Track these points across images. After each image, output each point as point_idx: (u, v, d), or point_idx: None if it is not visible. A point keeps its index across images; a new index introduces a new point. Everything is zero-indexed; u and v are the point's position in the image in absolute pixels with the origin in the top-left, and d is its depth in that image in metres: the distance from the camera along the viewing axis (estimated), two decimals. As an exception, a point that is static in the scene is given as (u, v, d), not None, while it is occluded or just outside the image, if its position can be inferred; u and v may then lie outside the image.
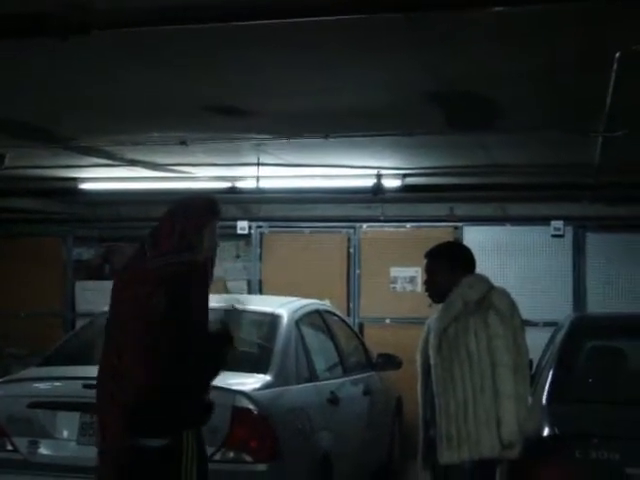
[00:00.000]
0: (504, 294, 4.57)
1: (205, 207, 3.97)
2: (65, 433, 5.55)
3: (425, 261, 4.81)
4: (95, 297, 10.38)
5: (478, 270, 4.83)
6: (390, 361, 8.07)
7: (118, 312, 3.91)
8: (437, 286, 4.70)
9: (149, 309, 3.75)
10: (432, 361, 4.57)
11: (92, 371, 5.71)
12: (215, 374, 3.99)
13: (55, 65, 4.92)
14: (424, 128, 6.49)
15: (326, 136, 6.74)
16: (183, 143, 7.07)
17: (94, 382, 5.28)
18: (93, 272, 11.66)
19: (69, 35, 3.73)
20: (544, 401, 5.18)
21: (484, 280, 4.65)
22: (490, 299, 4.47)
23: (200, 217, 3.90)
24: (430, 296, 4.78)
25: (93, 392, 5.23)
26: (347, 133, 6.71)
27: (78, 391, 5.35)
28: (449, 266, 4.68)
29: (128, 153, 7.83)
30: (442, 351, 4.51)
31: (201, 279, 3.90)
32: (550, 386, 5.30)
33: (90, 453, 5.20)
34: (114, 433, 3.85)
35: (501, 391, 4.34)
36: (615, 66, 4.66)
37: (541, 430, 4.77)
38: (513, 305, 4.54)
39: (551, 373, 5.45)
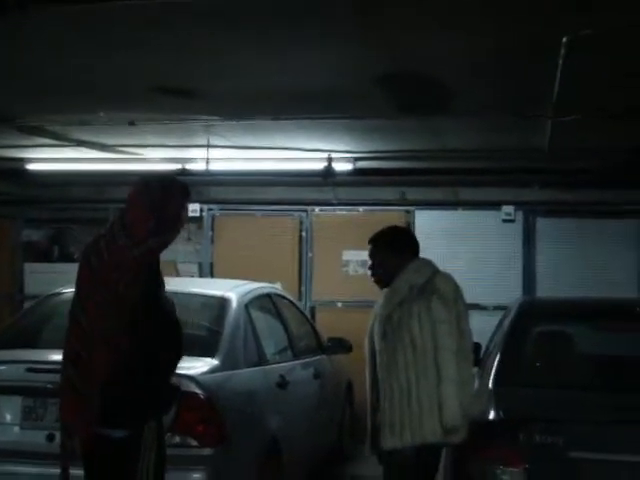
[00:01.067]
0: (448, 278, 4.56)
1: (181, 190, 3.90)
2: (7, 417, 5.43)
3: (369, 247, 4.77)
4: (44, 279, 10.24)
5: (430, 254, 4.83)
6: (340, 345, 8.05)
7: (86, 297, 3.77)
8: (383, 271, 4.68)
9: (124, 297, 3.67)
10: (377, 347, 4.56)
11: (36, 355, 5.73)
12: (178, 360, 3.95)
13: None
14: (374, 112, 6.46)
15: (275, 118, 6.68)
16: (131, 123, 6.98)
17: (38, 366, 5.30)
18: (42, 254, 11.51)
19: (7, 11, 3.61)
20: (490, 385, 5.18)
21: (430, 264, 4.64)
22: (434, 283, 4.46)
23: (178, 201, 3.83)
24: (376, 282, 4.76)
25: (37, 376, 5.24)
26: (297, 115, 6.65)
27: (21, 375, 5.29)
28: (393, 251, 4.66)
29: (75, 133, 7.70)
30: (387, 337, 4.50)
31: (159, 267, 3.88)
32: (497, 370, 5.30)
33: (33, 438, 5.22)
34: (75, 422, 3.77)
35: (443, 376, 4.34)
36: (563, 51, 4.66)
37: (487, 414, 4.76)
38: (457, 289, 4.53)
39: (498, 357, 5.45)
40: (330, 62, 5.23)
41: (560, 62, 4.79)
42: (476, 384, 5.65)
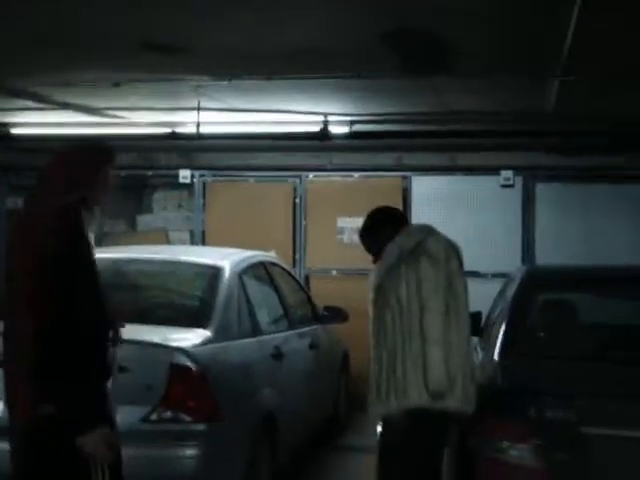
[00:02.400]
0: (440, 239, 4.42)
1: (99, 150, 3.82)
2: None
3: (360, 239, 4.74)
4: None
5: (427, 221, 4.75)
6: (336, 314, 7.92)
7: (9, 263, 3.62)
8: (374, 251, 4.62)
9: (37, 257, 3.50)
10: (370, 314, 4.42)
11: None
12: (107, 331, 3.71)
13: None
14: (375, 70, 6.24)
15: (269, 77, 6.47)
16: (116, 85, 6.81)
17: None
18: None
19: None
20: (496, 356, 4.98)
21: (423, 228, 4.53)
22: (424, 245, 4.33)
23: (93, 159, 3.74)
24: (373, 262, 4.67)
25: None
26: (292, 75, 6.39)
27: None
28: (375, 234, 4.61)
29: (59, 95, 7.51)
30: (377, 303, 4.37)
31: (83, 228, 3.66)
32: (502, 341, 5.09)
33: None
34: (11, 402, 3.56)
35: (427, 337, 4.15)
36: (578, 4, 4.38)
37: (493, 387, 4.55)
38: (450, 249, 4.37)
39: (503, 327, 5.24)
40: (329, 17, 4.99)
41: (574, 16, 4.51)
42: (479, 354, 5.46)
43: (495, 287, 6.77)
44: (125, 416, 4.62)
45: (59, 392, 3.44)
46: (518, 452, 4.31)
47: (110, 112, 8.39)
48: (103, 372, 3.63)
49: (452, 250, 4.37)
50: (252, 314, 6.21)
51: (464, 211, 9.89)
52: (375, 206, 4.80)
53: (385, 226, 4.56)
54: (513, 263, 9.30)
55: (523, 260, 9.67)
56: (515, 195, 9.89)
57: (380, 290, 4.35)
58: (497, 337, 5.17)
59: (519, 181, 9.87)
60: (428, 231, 4.47)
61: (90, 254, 3.63)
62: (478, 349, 5.65)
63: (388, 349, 4.24)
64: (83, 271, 3.55)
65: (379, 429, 4.50)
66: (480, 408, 4.34)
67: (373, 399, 4.29)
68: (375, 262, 4.56)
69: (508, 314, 5.38)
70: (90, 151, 3.79)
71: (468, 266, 4.57)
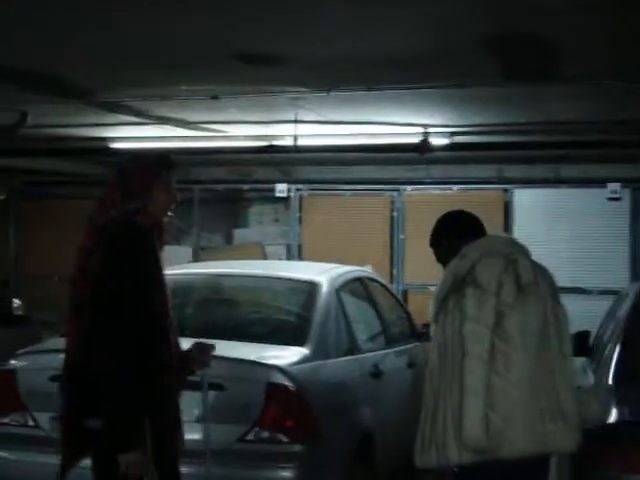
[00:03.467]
0: (493, 263, 3.77)
1: (155, 160, 3.73)
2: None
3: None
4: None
5: (529, 236, 4.29)
6: None
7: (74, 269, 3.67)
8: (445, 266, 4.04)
9: (87, 272, 3.51)
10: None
11: None
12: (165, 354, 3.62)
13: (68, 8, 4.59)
14: (475, 79, 6.09)
15: (368, 88, 6.35)
16: (214, 97, 6.78)
17: None
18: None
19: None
20: (611, 381, 4.69)
21: (481, 246, 3.88)
22: (474, 271, 3.73)
23: (148, 169, 3.64)
24: None
25: None
26: (393, 85, 6.26)
27: None
28: (442, 245, 4.02)
29: (156, 109, 7.57)
30: (433, 338, 3.91)
31: (150, 242, 3.61)
32: (617, 364, 4.81)
33: None
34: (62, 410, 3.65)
35: (465, 386, 3.66)
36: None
37: (609, 414, 4.26)
38: (504, 276, 3.73)
39: (617, 349, 4.94)
40: (429, 22, 4.82)
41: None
42: (589, 376, 5.18)
43: (601, 304, 6.55)
44: (220, 435, 4.62)
45: (108, 406, 3.42)
46: (637, 483, 4.05)
47: (207, 126, 8.42)
48: (157, 398, 3.56)
49: (509, 275, 3.73)
50: (350, 331, 6.09)
51: (568, 225, 9.70)
52: None
53: (450, 238, 3.99)
54: (620, 279, 9.06)
55: (632, 276, 9.36)
56: (622, 208, 9.64)
57: (436, 322, 3.87)
58: (610, 360, 4.90)
59: (626, 193, 9.63)
60: (486, 250, 3.84)
61: (148, 271, 3.55)
62: (588, 371, 5.37)
63: (435, 394, 3.79)
64: (136, 289, 3.47)
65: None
66: (594, 438, 4.00)
67: (418, 448, 3.85)
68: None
69: (622, 334, 5.10)
70: (145, 160, 3.73)
71: (571, 282, 4.22)
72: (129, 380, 3.40)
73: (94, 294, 3.44)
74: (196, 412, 4.70)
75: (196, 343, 3.96)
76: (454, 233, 3.98)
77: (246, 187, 10.83)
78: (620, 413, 4.35)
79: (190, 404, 4.77)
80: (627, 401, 4.47)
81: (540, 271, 3.82)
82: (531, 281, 3.73)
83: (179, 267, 6.99)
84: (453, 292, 3.74)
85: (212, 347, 3.98)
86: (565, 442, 3.75)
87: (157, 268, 3.62)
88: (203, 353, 3.93)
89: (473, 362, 3.62)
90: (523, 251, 3.87)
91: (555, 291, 3.83)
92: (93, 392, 3.43)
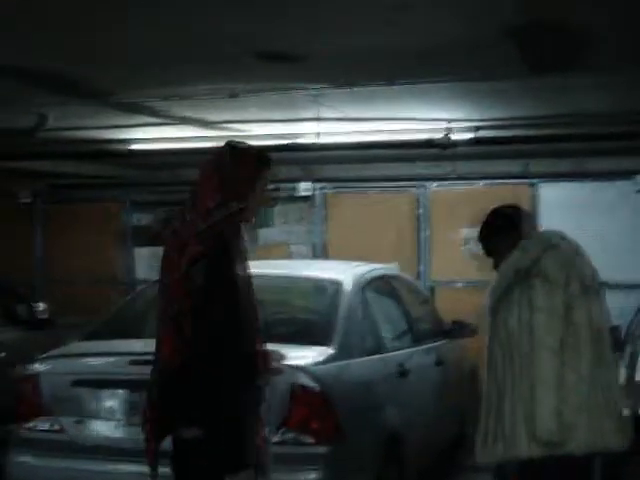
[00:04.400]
0: (561, 255, 3.77)
1: (257, 157, 3.52)
2: (112, 413, 5.21)
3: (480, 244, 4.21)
4: (156, 264, 10.08)
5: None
6: (463, 328, 7.64)
7: (161, 283, 3.54)
8: (495, 259, 4.07)
9: (187, 281, 3.34)
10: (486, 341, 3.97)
11: (139, 345, 5.46)
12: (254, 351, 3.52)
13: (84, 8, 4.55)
14: (500, 71, 6.01)
15: (391, 82, 6.27)
16: (234, 96, 6.75)
17: (141, 357, 5.01)
18: (153, 238, 11.44)
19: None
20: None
21: (541, 240, 3.89)
22: (541, 263, 3.73)
23: (252, 167, 3.45)
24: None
25: (140, 368, 4.96)
26: (414, 79, 6.19)
27: (125, 367, 5.05)
28: (497, 239, 4.03)
29: (176, 109, 7.56)
30: (491, 330, 3.88)
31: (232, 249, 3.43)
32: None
33: (139, 435, 4.92)
34: (148, 421, 3.53)
35: (538, 379, 3.63)
36: None
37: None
38: (571, 269, 3.73)
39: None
40: (452, 12, 4.73)
41: None
42: (621, 372, 5.07)
43: (630, 299, 6.71)
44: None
45: (198, 415, 3.33)
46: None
47: (227, 125, 8.39)
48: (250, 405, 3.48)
49: (574, 269, 3.76)
50: (375, 330, 6.04)
51: (596, 219, 9.57)
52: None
53: (509, 232, 3.99)
54: (651, 273, 8.94)
55: (662, 270, 9.20)
56: (652, 201, 9.45)
57: (494, 314, 3.87)
58: (642, 355, 4.79)
59: (655, 185, 9.42)
60: (548, 244, 3.84)
61: (236, 279, 3.37)
62: (620, 366, 5.26)
63: (498, 388, 3.78)
64: (227, 293, 3.35)
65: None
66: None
67: (480, 444, 3.84)
68: (496, 267, 4.04)
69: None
70: (247, 157, 3.50)
71: (600, 277, 4.11)
72: (239, 391, 3.34)
73: (198, 306, 3.32)
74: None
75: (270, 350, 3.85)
76: (513, 227, 3.97)
77: (270, 186, 10.77)
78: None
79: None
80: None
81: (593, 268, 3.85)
82: (592, 277, 3.78)
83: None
84: (516, 285, 3.73)
85: (283, 356, 4.02)
86: (619, 439, 3.74)
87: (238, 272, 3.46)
88: (276, 360, 3.85)
89: (545, 353, 3.61)
90: (578, 246, 3.86)
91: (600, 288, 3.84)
92: (194, 400, 3.33)
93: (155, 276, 6.47)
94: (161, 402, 3.44)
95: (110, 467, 4.99)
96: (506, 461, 3.75)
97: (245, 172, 3.41)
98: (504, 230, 4.00)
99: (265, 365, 3.65)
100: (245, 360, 3.40)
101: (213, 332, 3.32)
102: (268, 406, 4.80)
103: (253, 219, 3.59)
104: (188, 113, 7.73)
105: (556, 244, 3.81)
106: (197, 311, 3.32)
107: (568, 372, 3.63)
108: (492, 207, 4.19)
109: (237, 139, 7.67)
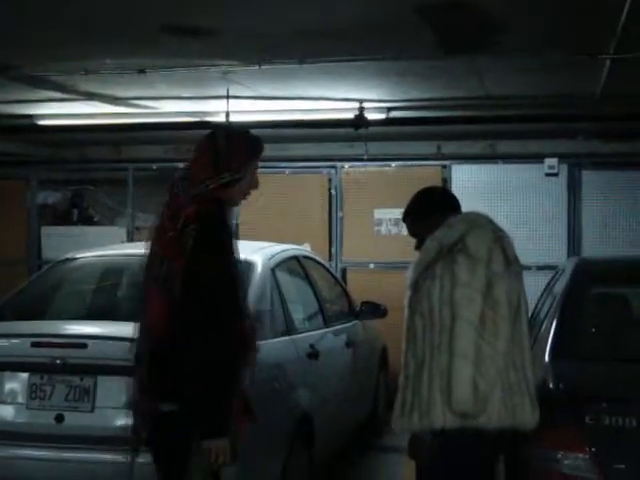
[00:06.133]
0: (484, 233, 3.82)
1: (251, 141, 3.68)
2: (13, 397, 5.03)
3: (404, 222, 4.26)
4: (62, 243, 9.96)
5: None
6: (374, 309, 7.66)
7: (149, 257, 3.56)
8: (419, 238, 4.10)
9: (181, 241, 3.39)
10: (405, 313, 3.99)
11: (42, 327, 5.30)
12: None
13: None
14: (412, 51, 5.93)
15: (301, 61, 6.17)
16: (141, 71, 6.56)
17: (44, 340, 4.87)
18: (60, 217, 11.16)
19: None
20: (546, 358, 4.63)
21: (469, 220, 3.94)
22: (465, 240, 3.79)
23: (244, 149, 3.61)
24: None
25: (42, 350, 4.82)
26: (326, 57, 6.10)
27: (26, 350, 4.93)
28: (421, 218, 4.08)
29: (82, 84, 7.31)
30: (411, 304, 3.93)
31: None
32: (553, 340, 4.75)
33: (41, 419, 4.82)
34: (134, 394, 3.55)
35: (456, 350, 3.67)
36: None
37: (544, 391, 4.19)
38: (495, 246, 3.78)
39: (553, 325, 4.88)
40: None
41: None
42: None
43: (540, 280, 6.56)
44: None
45: (187, 390, 3.31)
46: (573, 462, 4.01)
47: (137, 102, 8.19)
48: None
49: (497, 249, 3.79)
50: (286, 311, 5.97)
51: (506, 201, 9.61)
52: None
53: (433, 212, 4.04)
54: (558, 255, 9.17)
55: (569, 252, 9.37)
56: (560, 184, 9.55)
57: (415, 289, 3.91)
58: (547, 336, 4.82)
59: (564, 169, 9.55)
60: (474, 223, 3.90)
61: (231, 254, 3.45)
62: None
63: (417, 359, 3.83)
64: (223, 273, 3.38)
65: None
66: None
67: (397, 413, 3.88)
68: (417, 248, 4.09)
69: (558, 310, 5.02)
70: (242, 139, 3.64)
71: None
72: (228, 360, 3.33)
73: (190, 267, 3.33)
74: (123, 398, 4.57)
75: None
76: (441, 207, 4.04)
77: (182, 165, 10.55)
78: (556, 389, 4.29)
79: (116, 390, 4.67)
80: (563, 377, 4.41)
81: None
82: (514, 257, 3.83)
83: (107, 248, 6.80)
84: (440, 260, 3.79)
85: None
86: (528, 418, 3.78)
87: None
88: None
89: (464, 326, 3.65)
90: (502, 229, 3.91)
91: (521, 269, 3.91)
92: (176, 372, 3.33)
93: (61, 256, 6.36)
94: (149, 376, 3.42)
95: (11, 452, 4.82)
96: (421, 431, 3.79)
97: (238, 152, 3.55)
98: (430, 211, 4.05)
99: (252, 344, 3.71)
100: (237, 337, 3.39)
101: (205, 299, 3.31)
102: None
103: (240, 201, 3.68)
104: (95, 89, 7.51)
105: (481, 223, 3.87)
106: (188, 274, 3.32)
107: (485, 346, 3.66)
108: (419, 188, 4.23)
109: (148, 116, 7.45)
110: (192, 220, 3.38)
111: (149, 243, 3.58)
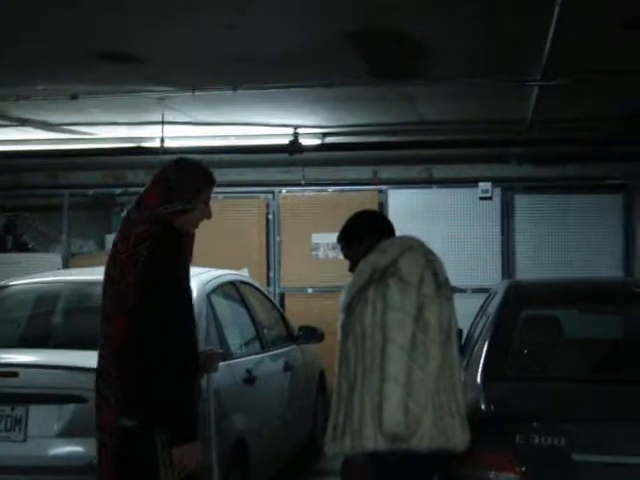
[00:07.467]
0: (416, 257, 3.89)
1: (202, 172, 3.75)
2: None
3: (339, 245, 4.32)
4: (-1, 269, 9.69)
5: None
6: (312, 334, 7.68)
7: (104, 281, 3.64)
8: (352, 261, 4.17)
9: (133, 257, 3.48)
10: (338, 336, 4.03)
11: None
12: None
13: None
14: (344, 77, 5.97)
15: (235, 87, 6.17)
16: (74, 97, 6.50)
17: None
18: (-6, 243, 10.98)
19: None
20: (478, 378, 4.68)
21: (402, 244, 4.00)
22: (397, 264, 3.84)
23: (195, 179, 3.69)
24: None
25: None
26: (259, 84, 6.11)
27: None
28: (355, 241, 4.14)
29: (14, 110, 7.18)
30: (344, 327, 3.96)
31: (185, 248, 3.64)
32: (485, 361, 4.80)
33: None
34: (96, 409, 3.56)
35: (386, 373, 3.73)
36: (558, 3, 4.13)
37: (476, 412, 4.25)
38: (425, 271, 3.85)
39: (485, 346, 4.95)
40: (293, 18, 4.67)
41: (555, 14, 4.25)
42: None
43: (475, 302, 6.58)
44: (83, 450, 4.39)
45: (148, 400, 3.36)
46: (504, 482, 4.03)
47: (71, 127, 8.11)
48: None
49: (429, 271, 3.87)
50: (222, 337, 5.92)
51: (442, 225, 9.73)
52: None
53: (368, 235, 4.10)
54: (493, 277, 9.26)
55: (503, 274, 9.52)
56: (494, 207, 9.72)
57: (348, 312, 3.94)
58: (479, 357, 4.88)
59: (497, 193, 9.72)
60: (406, 246, 3.95)
61: (184, 274, 3.58)
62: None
63: (348, 381, 3.85)
64: (171, 282, 3.47)
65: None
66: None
67: (329, 437, 3.89)
68: (351, 270, 4.13)
69: (490, 332, 5.08)
70: (192, 170, 3.71)
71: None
72: (184, 367, 3.39)
73: (142, 278, 3.41)
74: (55, 427, 4.51)
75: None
76: (375, 230, 4.11)
77: (118, 191, 10.49)
78: (487, 410, 4.34)
79: (48, 418, 4.60)
80: (494, 397, 4.47)
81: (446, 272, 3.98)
82: (445, 280, 3.91)
83: (40, 275, 6.71)
84: (372, 283, 3.83)
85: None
86: (459, 439, 3.84)
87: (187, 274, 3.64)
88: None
89: (395, 349, 3.71)
90: (434, 252, 3.98)
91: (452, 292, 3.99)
92: (133, 385, 3.39)
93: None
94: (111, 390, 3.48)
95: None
96: (353, 454, 3.80)
97: (190, 182, 3.63)
98: (363, 234, 4.12)
99: (209, 365, 3.99)
100: (188, 351, 3.45)
101: (155, 315, 3.38)
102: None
103: (192, 230, 3.72)
104: (27, 114, 7.43)
105: (413, 247, 3.92)
106: (140, 285, 3.41)
107: (416, 369, 3.71)
108: (355, 211, 4.32)
109: (84, 142, 7.37)
110: (144, 238, 3.47)
111: (104, 269, 3.65)
